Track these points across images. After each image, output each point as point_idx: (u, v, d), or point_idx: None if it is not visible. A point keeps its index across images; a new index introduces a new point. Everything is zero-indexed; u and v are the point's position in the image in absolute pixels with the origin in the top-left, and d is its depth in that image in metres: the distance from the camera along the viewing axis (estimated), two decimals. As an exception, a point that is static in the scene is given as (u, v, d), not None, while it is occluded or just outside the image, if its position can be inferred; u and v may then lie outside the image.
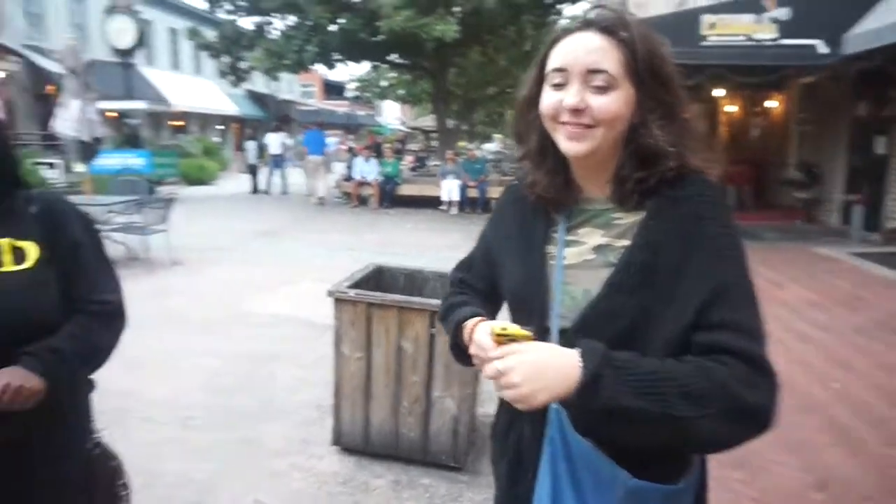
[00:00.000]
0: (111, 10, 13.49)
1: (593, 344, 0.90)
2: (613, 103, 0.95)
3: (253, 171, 16.10)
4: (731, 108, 15.12)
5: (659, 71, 0.98)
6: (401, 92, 26.73)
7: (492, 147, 31.13)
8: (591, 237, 1.03)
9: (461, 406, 2.94)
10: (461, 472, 2.91)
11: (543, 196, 1.07)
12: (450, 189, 12.57)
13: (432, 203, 12.85)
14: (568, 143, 0.98)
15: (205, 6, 16.19)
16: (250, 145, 16.37)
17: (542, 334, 1.01)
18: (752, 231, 9.85)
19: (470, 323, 1.07)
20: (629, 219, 1.00)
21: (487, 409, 3.18)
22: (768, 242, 9.00)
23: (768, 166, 13.04)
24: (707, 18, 8.79)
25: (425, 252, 7.81)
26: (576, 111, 0.95)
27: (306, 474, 2.89)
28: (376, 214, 12.36)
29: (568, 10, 14.97)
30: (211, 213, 11.94)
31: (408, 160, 18.76)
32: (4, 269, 1.21)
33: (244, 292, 5.96)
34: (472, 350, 1.02)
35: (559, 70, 0.97)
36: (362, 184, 13.31)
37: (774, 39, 8.61)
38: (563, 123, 0.97)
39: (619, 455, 0.94)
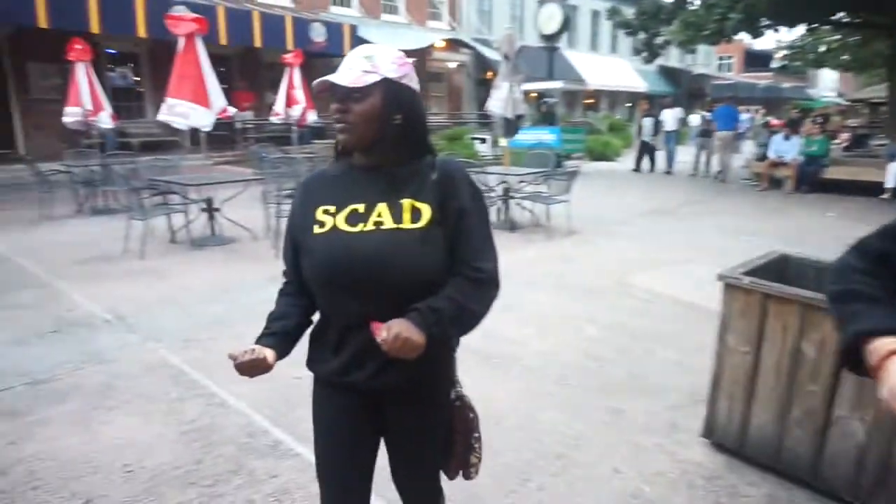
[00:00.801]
0: (543, 0, 14.87)
1: None
2: None
3: (645, 148, 15.31)
4: None
5: None
6: (844, 58, 22.61)
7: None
8: None
9: (872, 434, 2.41)
10: (859, 510, 2.41)
11: None
12: (896, 173, 10.18)
13: (869, 190, 10.61)
14: None
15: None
16: (647, 122, 15.46)
17: None
18: None
19: (886, 347, 0.83)
20: None
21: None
22: None
23: None
24: None
25: (846, 247, 6.54)
26: None
27: (669, 458, 2.79)
28: (789, 199, 10.85)
29: None
30: (609, 187, 12.29)
31: (842, 138, 15.83)
32: (403, 225, 1.35)
33: (631, 267, 5.99)
34: (885, 394, 0.81)
35: None
36: (777, 164, 11.79)
37: None
38: None
39: None
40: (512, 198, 7.77)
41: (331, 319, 1.44)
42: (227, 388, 3.33)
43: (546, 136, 13.12)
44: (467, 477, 1.67)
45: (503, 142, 11.14)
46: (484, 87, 19.99)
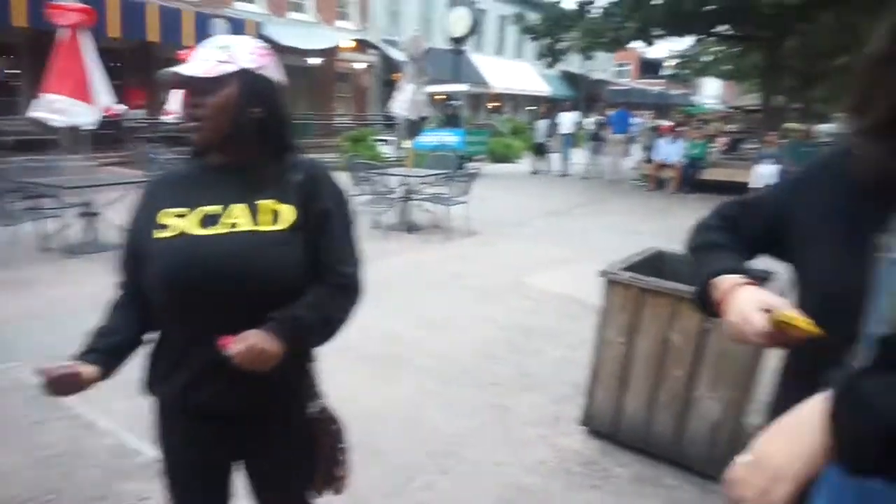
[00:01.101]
0: (453, 3, 15.08)
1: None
2: None
3: (539, 150, 15.67)
4: None
5: None
6: (727, 67, 24.41)
7: (829, 128, 26.51)
8: None
9: (726, 411, 2.63)
10: (714, 481, 2.61)
11: (886, 181, 0.88)
12: (762, 175, 11.08)
13: (741, 190, 11.50)
14: None
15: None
16: (541, 124, 15.86)
17: (846, 341, 0.86)
18: None
19: (728, 281, 0.97)
20: None
21: (756, 420, 2.77)
22: None
23: None
24: None
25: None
26: None
27: (550, 448, 2.92)
28: (673, 199, 11.59)
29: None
30: (508, 189, 12.60)
31: (720, 142, 17.08)
32: (260, 227, 1.27)
33: (527, 267, 6.19)
34: (733, 319, 0.93)
35: None
36: (663, 166, 12.57)
37: None
38: None
39: None
40: (412, 199, 7.82)
41: (172, 335, 1.33)
42: (97, 407, 3.09)
43: (449, 138, 13.28)
44: (337, 492, 1.58)
45: (407, 143, 11.18)
46: (391, 88, 19.96)
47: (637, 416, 2.86)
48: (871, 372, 0.75)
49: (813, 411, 0.75)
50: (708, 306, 1.03)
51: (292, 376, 1.40)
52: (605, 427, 2.97)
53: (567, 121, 15.57)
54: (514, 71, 28.53)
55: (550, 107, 17.66)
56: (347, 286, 1.38)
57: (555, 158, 15.52)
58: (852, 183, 0.93)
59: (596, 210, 10.13)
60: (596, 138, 15.22)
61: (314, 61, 19.41)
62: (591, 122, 15.63)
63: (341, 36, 19.71)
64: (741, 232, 1.10)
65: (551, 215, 9.51)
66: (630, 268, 2.94)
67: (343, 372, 3.61)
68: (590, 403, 3.03)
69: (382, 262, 6.27)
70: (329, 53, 19.17)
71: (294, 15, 19.10)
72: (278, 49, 17.20)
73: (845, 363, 0.83)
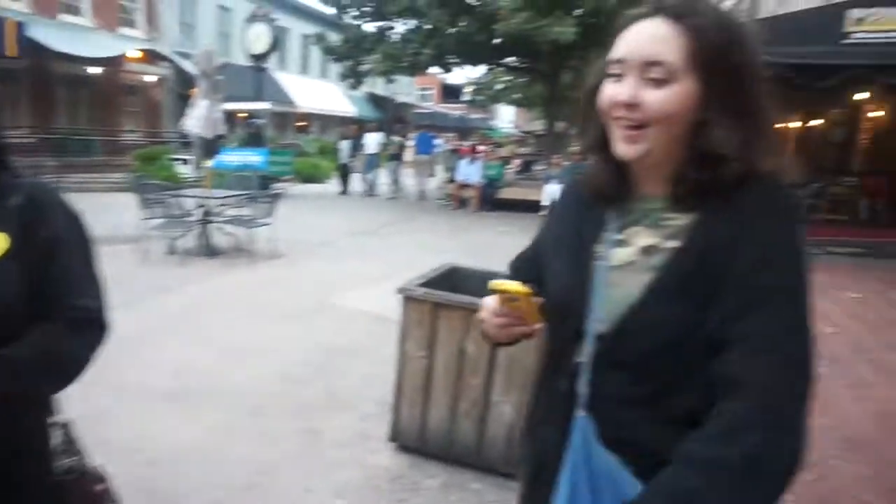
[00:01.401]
0: (251, 19, 14.55)
1: None
2: (668, 99, 0.87)
3: (344, 171, 15.79)
4: (877, 114, 13.67)
5: (732, 64, 0.88)
6: (515, 95, 26.68)
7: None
8: (641, 237, 0.96)
9: (520, 413, 2.86)
10: (514, 479, 2.83)
11: (599, 192, 1.01)
12: (550, 193, 12.34)
13: (535, 208, 12.67)
14: (620, 145, 0.92)
15: (334, 13, 16.91)
16: (343, 145, 15.85)
17: (576, 340, 0.98)
18: (885, 249, 8.82)
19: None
20: (681, 220, 0.92)
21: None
22: (905, 263, 8.02)
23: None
24: (854, 13, 7.95)
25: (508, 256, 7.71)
26: (627, 106, 0.89)
27: (360, 467, 2.93)
28: (475, 217, 12.39)
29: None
30: (316, 209, 12.50)
31: (515, 163, 18.63)
32: None
33: (333, 287, 6.17)
34: (479, 315, 1.04)
35: (617, 61, 0.91)
36: (464, 186, 13.39)
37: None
38: (617, 119, 0.91)
39: (644, 470, 0.88)
40: (212, 221, 7.40)
41: None
42: None
43: (253, 157, 12.79)
44: None
45: (209, 163, 10.57)
46: (186, 103, 18.73)
47: (441, 427, 2.99)
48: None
49: None
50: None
51: (21, 432, 1.16)
52: (412, 441, 3.06)
53: (372, 141, 15.70)
54: (320, 91, 28.38)
55: (359, 127, 17.82)
56: (84, 321, 1.19)
57: (359, 179, 15.58)
58: (581, 199, 1.06)
59: (402, 229, 10.43)
60: (395, 158, 15.63)
61: (94, 71, 17.52)
62: (394, 142, 16.02)
63: (126, 45, 18.03)
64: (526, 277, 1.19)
65: (359, 235, 9.60)
66: (426, 284, 3.07)
67: (137, 414, 3.32)
68: (396, 419, 3.10)
69: (179, 290, 5.85)
70: (112, 63, 17.41)
71: (67, 17, 17.02)
72: (47, 54, 15.25)
73: (574, 364, 0.98)
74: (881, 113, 13.81)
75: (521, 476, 1.15)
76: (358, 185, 15.51)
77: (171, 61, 19.52)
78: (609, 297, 0.95)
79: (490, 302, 1.00)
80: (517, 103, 29.27)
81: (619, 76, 0.91)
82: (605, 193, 1.00)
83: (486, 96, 28.08)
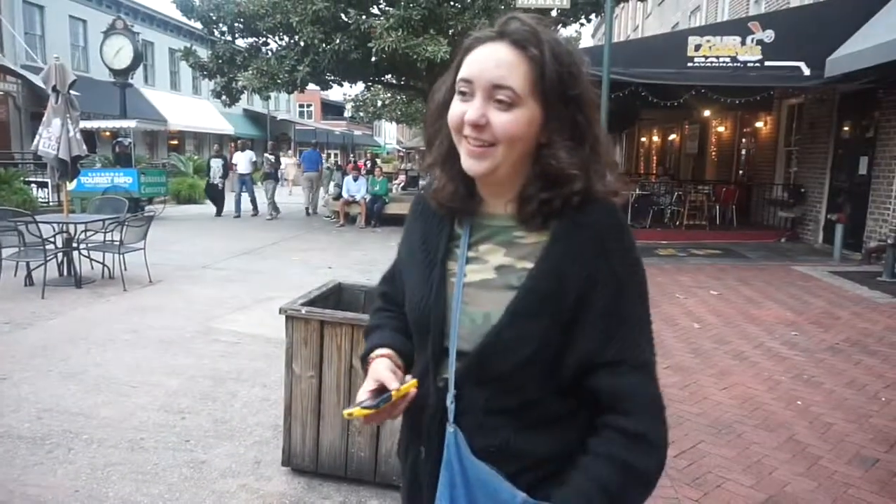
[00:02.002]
0: (109, 31, 13.61)
1: None
2: (514, 122, 0.91)
3: (214, 191, 14.87)
4: (721, 129, 15.23)
5: (569, 91, 0.93)
6: (396, 112, 26.93)
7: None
8: (493, 255, 0.99)
9: (412, 426, 2.90)
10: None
11: (446, 205, 1.03)
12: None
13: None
14: (467, 161, 0.95)
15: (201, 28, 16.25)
16: (215, 163, 14.86)
17: (440, 356, 1.00)
18: (737, 250, 9.85)
19: (372, 355, 1.08)
20: (532, 239, 0.97)
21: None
22: (751, 261, 9.00)
23: (755, 186, 13.12)
24: (693, 40, 8.90)
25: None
26: (476, 126, 0.92)
27: (253, 496, 2.84)
28: (362, 233, 12.36)
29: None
30: (195, 231, 11.93)
31: (400, 179, 18.79)
32: None
33: (216, 310, 5.93)
34: (363, 386, 1.01)
35: (466, 81, 0.94)
36: (350, 202, 13.32)
37: (759, 61, 8.71)
38: (466, 137, 0.94)
39: (516, 475, 0.93)
40: (76, 249, 6.84)
41: None
42: None
43: (121, 178, 12.02)
44: None
45: (70, 186, 9.80)
46: (39, 122, 17.15)
47: (335, 446, 2.96)
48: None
49: None
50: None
51: None
52: (306, 463, 3.00)
53: (243, 161, 14.92)
54: (193, 108, 27.11)
55: (237, 144, 17.10)
56: None
57: (232, 199, 14.73)
58: (430, 213, 1.08)
59: (290, 247, 10.18)
60: (269, 177, 14.91)
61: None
62: (243, 160, 14.95)
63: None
64: (396, 299, 1.20)
65: (243, 255, 9.25)
66: (311, 302, 3.03)
67: (-6, 463, 3.01)
68: (288, 441, 3.03)
69: (40, 324, 5.36)
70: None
71: None
72: None
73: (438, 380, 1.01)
74: (723, 129, 15.46)
75: (401, 495, 1.15)
76: (232, 205, 14.64)
77: (17, 76, 17.84)
78: (468, 314, 0.98)
79: (360, 394, 0.99)
80: (398, 120, 29.52)
81: (467, 96, 0.94)
82: (452, 207, 1.03)
83: (368, 113, 28.10)
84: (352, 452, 2.95)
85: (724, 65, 8.82)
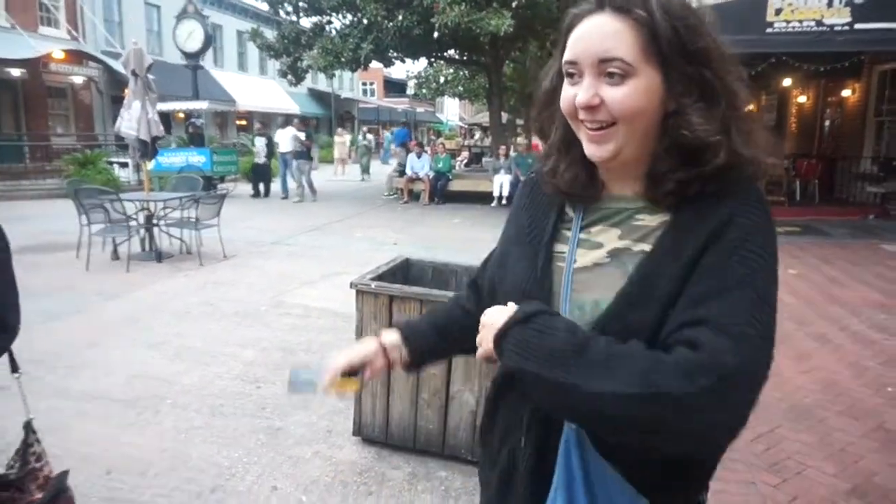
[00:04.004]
0: (181, 16, 14.07)
1: (533, 304, 0.88)
2: (630, 95, 0.83)
3: (257, 171, 14.21)
4: (802, 99, 14.38)
5: (691, 47, 0.83)
6: (459, 88, 26.73)
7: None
8: (608, 238, 0.92)
9: (480, 400, 2.91)
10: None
11: (566, 192, 0.96)
12: (501, 184, 12.50)
13: (485, 199, 12.81)
14: (589, 147, 0.89)
15: (268, 9, 16.56)
16: (259, 142, 14.19)
17: None
18: (819, 227, 9.34)
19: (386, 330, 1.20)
20: (654, 220, 0.89)
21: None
22: (835, 239, 8.50)
23: (841, 159, 12.34)
24: (773, 3, 8.36)
25: (471, 246, 7.76)
26: (589, 108, 0.85)
27: (325, 463, 2.94)
28: (426, 210, 12.43)
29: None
30: (265, 209, 12.29)
31: (462, 155, 18.73)
32: None
33: (287, 285, 6.10)
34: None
35: (571, 62, 0.87)
36: (414, 179, 13.40)
37: (848, 24, 8.11)
38: (582, 121, 0.88)
39: (631, 472, 0.87)
40: (156, 225, 7.18)
41: None
42: None
43: (195, 157, 12.49)
44: None
45: (149, 165, 10.27)
46: (119, 105, 18.00)
47: (404, 418, 3.02)
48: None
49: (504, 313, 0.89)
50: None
51: None
52: (376, 433, 3.08)
53: (285, 137, 14.10)
54: (260, 88, 27.80)
55: (303, 123, 17.41)
56: None
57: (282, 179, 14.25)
58: (538, 196, 1.03)
59: (355, 224, 10.36)
60: (299, 156, 13.77)
61: (16, 73, 16.67)
62: (285, 138, 14.04)
63: (49, 45, 17.19)
64: (480, 291, 1.18)
65: (310, 232, 9.48)
66: (379, 277, 3.08)
67: (91, 422, 3.24)
68: (359, 412, 3.11)
69: (126, 296, 5.67)
70: (34, 64, 16.57)
71: (-22, 19, 16.15)
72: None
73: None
74: (804, 99, 14.55)
75: (485, 482, 1.10)
76: (280, 185, 14.17)
77: (99, 61, 18.74)
78: (576, 302, 0.90)
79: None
80: (461, 96, 29.30)
81: (575, 77, 0.87)
82: (571, 193, 0.96)
83: (430, 90, 28.01)
84: (420, 425, 2.99)
85: (809, 29, 8.25)
